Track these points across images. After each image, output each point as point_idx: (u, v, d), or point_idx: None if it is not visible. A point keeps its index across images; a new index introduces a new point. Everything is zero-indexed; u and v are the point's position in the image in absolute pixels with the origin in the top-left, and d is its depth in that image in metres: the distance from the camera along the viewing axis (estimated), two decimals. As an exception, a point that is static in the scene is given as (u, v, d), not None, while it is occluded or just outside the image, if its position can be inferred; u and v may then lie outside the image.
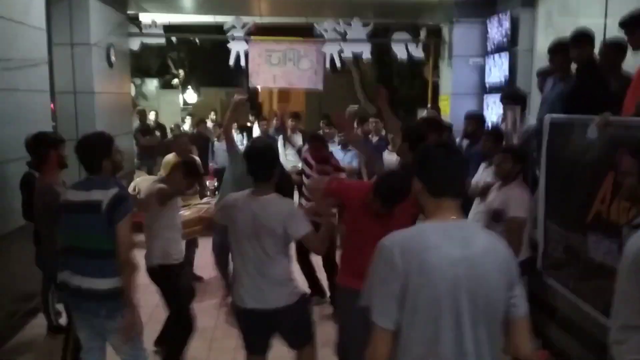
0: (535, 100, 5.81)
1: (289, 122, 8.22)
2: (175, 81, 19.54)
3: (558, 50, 4.34)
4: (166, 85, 18.05)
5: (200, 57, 20.02)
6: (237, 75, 22.09)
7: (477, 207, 4.57)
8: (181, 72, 20.34)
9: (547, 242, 4.08)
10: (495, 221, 3.82)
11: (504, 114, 4.95)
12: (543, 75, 4.86)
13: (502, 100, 5.13)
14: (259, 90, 21.02)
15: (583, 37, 4.04)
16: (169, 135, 10.03)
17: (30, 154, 3.81)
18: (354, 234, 3.14)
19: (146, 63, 15.06)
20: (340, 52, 8.90)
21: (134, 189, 7.95)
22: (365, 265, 1.76)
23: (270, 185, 2.99)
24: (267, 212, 2.88)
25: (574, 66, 4.36)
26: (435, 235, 1.69)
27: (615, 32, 4.30)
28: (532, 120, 5.04)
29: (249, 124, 10.71)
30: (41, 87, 5.34)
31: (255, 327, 3.01)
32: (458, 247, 1.67)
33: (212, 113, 10.82)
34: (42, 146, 3.59)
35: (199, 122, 9.53)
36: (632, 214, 2.85)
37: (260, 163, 2.96)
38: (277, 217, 2.87)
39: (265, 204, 2.90)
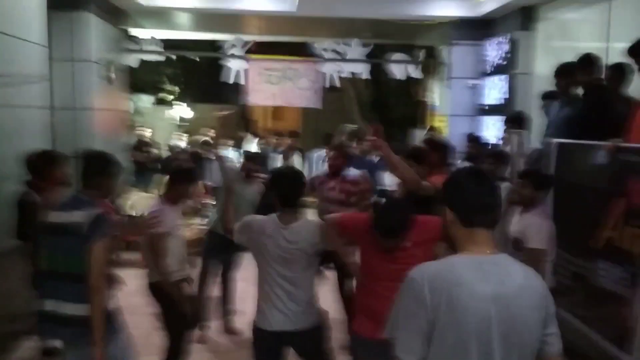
0: (534, 123, 5.83)
1: (287, 141, 8.21)
2: (170, 97, 19.52)
3: (564, 73, 4.37)
4: (161, 101, 18.00)
5: (195, 73, 20.06)
6: (232, 92, 22.21)
7: None
8: (176, 88, 20.35)
9: (555, 269, 4.05)
10: (516, 250, 3.65)
11: (508, 137, 4.95)
12: (548, 98, 4.88)
13: (507, 123, 5.13)
14: (252, 107, 21.16)
15: (590, 61, 4.07)
16: (163, 153, 9.93)
17: (32, 172, 3.71)
18: (366, 273, 2.89)
19: (141, 79, 15.03)
20: (339, 72, 8.92)
21: (131, 207, 7.88)
22: (379, 308, 1.70)
23: (297, 210, 3.04)
24: (300, 238, 2.92)
25: (578, 90, 4.40)
26: (467, 270, 1.60)
27: (616, 56, 4.33)
28: (533, 143, 5.06)
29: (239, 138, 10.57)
30: (41, 104, 5.28)
31: (276, 350, 3.00)
32: (491, 283, 1.58)
33: (211, 130, 10.71)
34: (47, 164, 3.50)
35: (204, 143, 9.38)
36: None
37: (290, 190, 2.99)
38: (310, 239, 2.94)
39: (297, 230, 2.94)
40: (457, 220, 1.69)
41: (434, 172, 3.73)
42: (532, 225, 3.54)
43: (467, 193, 1.68)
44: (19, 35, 4.83)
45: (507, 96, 7.61)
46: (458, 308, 1.56)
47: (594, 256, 3.51)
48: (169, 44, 9.21)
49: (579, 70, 4.10)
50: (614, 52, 5.42)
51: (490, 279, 1.59)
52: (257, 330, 3.02)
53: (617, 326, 3.26)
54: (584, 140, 3.88)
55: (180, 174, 3.96)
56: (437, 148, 5.39)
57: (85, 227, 2.68)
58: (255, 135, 9.63)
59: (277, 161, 7.95)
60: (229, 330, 4.99)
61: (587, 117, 4.02)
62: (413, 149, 4.34)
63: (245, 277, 5.47)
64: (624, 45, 5.47)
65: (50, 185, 3.52)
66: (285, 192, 2.98)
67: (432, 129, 7.56)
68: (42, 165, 3.58)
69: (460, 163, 5.90)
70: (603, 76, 4.17)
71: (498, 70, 7.88)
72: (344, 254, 3.06)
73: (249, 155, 5.56)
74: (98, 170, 2.84)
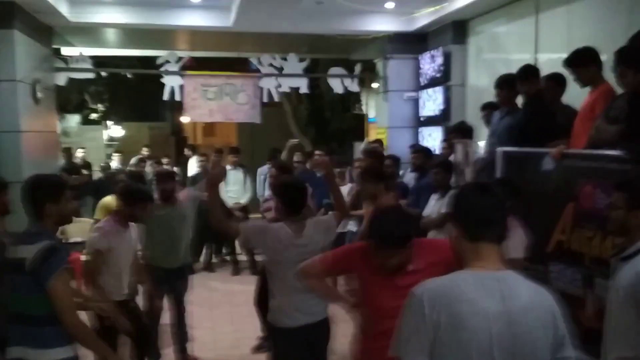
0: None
1: (229, 158, 8.06)
2: (95, 116, 18.76)
3: (505, 84, 4.52)
4: (87, 121, 17.29)
5: (121, 91, 19.41)
6: (161, 109, 21.69)
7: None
8: (100, 106, 19.59)
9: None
10: None
11: (451, 147, 5.08)
12: (489, 109, 5.05)
13: (451, 133, 5.26)
14: (182, 123, 20.73)
15: (530, 72, 4.25)
16: (95, 174, 9.49)
17: None
18: (372, 312, 2.55)
19: (65, 98, 14.38)
20: (277, 86, 8.89)
21: (62, 232, 7.45)
22: (387, 349, 1.62)
23: (302, 216, 3.22)
24: (311, 240, 3.15)
25: (518, 100, 4.58)
26: (470, 286, 1.56)
27: (544, 66, 4.57)
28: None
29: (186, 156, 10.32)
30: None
31: (300, 345, 3.13)
32: (496, 300, 1.54)
33: (145, 149, 10.32)
34: None
35: (140, 160, 9.05)
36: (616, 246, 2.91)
37: (297, 198, 3.21)
38: (320, 238, 3.21)
39: (307, 234, 3.16)
40: (462, 235, 1.66)
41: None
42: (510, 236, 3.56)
43: (472, 207, 1.66)
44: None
45: (443, 107, 7.84)
46: (459, 325, 1.52)
47: (547, 260, 3.62)
48: (96, 61, 8.86)
49: (519, 81, 4.26)
50: (542, 63, 5.72)
51: (494, 296, 1.55)
52: (278, 330, 3.18)
53: (574, 327, 3.38)
54: (527, 148, 4.03)
55: (132, 193, 3.80)
56: (376, 157, 5.53)
57: (27, 263, 2.43)
58: (194, 152, 9.39)
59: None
60: (187, 358, 4.76)
61: (528, 126, 4.16)
62: (371, 168, 4.46)
63: (197, 300, 5.32)
64: (551, 56, 5.82)
65: None
66: (292, 200, 3.19)
67: (376, 141, 7.66)
68: None
69: (407, 173, 6.01)
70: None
71: (433, 82, 8.11)
72: (333, 297, 3.12)
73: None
74: (49, 196, 2.61)
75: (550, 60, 5.60)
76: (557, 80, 4.24)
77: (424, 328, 1.54)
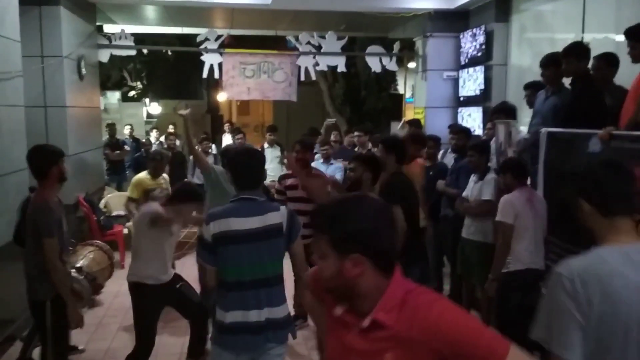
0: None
1: (267, 136, 8.13)
2: (133, 93, 19.07)
3: (550, 64, 4.41)
4: (126, 98, 17.61)
5: (159, 68, 19.65)
6: (197, 87, 21.89)
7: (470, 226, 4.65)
8: (138, 83, 19.89)
9: (547, 254, 4.11)
10: None
11: (495, 128, 4.99)
12: (532, 88, 4.94)
13: (494, 114, 5.18)
14: (217, 102, 20.90)
15: (580, 51, 4.13)
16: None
17: (31, 168, 3.50)
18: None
19: (106, 75, 14.66)
20: (315, 64, 8.87)
21: (105, 206, 7.67)
22: None
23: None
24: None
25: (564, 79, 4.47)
26: (617, 260, 1.59)
27: (592, 47, 4.44)
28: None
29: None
30: (15, 102, 5.06)
31: None
32: None
33: (171, 126, 10.43)
34: (45, 161, 3.32)
35: (168, 135, 9.22)
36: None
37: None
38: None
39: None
40: (595, 211, 1.69)
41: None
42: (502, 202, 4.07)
43: (605, 183, 1.68)
44: (-9, 31, 4.62)
45: (483, 87, 7.70)
46: (612, 299, 1.55)
47: (584, 241, 3.56)
48: (136, 39, 8.99)
49: (566, 59, 4.14)
50: (588, 43, 5.54)
51: None
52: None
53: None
54: (573, 129, 3.94)
55: (184, 193, 3.86)
56: (418, 142, 5.48)
57: None
58: (233, 130, 9.49)
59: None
60: None
61: (574, 107, 4.07)
62: (366, 157, 4.45)
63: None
64: (598, 36, 5.64)
65: (47, 182, 3.33)
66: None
67: (413, 121, 7.59)
68: (37, 161, 3.35)
69: (448, 154, 5.95)
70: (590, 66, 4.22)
71: (474, 61, 7.96)
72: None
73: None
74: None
75: (597, 40, 5.43)
76: (608, 60, 4.10)
77: (577, 305, 1.56)
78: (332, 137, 7.85)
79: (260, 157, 2.98)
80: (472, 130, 6.70)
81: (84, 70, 7.25)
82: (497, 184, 4.51)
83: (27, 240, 3.33)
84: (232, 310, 2.65)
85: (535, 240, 4.00)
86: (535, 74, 5.16)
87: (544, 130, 4.17)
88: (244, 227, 2.63)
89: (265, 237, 2.67)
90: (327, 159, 6.70)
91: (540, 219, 4.03)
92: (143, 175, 6.01)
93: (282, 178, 5.09)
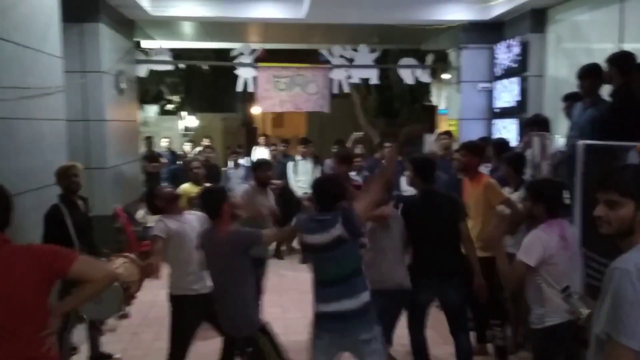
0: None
1: (299, 148, 8.18)
2: (170, 107, 19.50)
3: (588, 75, 4.31)
4: (164, 111, 18.00)
5: (195, 83, 20.07)
6: (232, 101, 22.24)
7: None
8: (175, 97, 20.33)
9: (586, 271, 4.00)
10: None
11: (529, 140, 4.90)
12: (571, 99, 4.84)
13: (527, 127, 5.09)
14: (253, 115, 21.16)
15: (621, 61, 4.02)
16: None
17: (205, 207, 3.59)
18: None
19: (144, 89, 15.04)
20: (348, 77, 8.91)
21: (143, 217, 7.83)
22: None
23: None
24: None
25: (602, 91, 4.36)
26: None
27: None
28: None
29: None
30: (57, 116, 5.24)
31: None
32: None
33: (205, 140, 10.57)
34: (217, 201, 3.47)
35: (205, 147, 9.37)
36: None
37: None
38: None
39: None
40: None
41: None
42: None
43: None
44: (35, 47, 4.80)
45: (519, 99, 7.59)
46: None
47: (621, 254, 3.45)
48: (174, 54, 9.21)
49: (610, 70, 4.04)
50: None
51: None
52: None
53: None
54: (611, 142, 3.84)
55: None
56: (476, 153, 5.27)
57: None
58: (267, 143, 9.59)
59: (289, 168, 7.92)
60: None
61: (613, 119, 3.97)
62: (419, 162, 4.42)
63: (268, 286, 5.40)
64: (637, 46, 5.49)
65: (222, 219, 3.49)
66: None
67: (446, 133, 7.51)
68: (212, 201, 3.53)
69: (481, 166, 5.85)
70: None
71: (509, 73, 7.86)
72: None
73: (258, 163, 5.53)
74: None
75: (636, 50, 5.29)
76: (647, 71, 4.00)
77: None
78: (357, 150, 7.92)
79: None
80: (508, 141, 6.55)
81: (123, 85, 7.46)
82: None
83: None
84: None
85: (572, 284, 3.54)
86: (572, 85, 5.05)
87: (580, 142, 4.07)
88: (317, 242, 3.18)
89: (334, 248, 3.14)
90: (358, 171, 6.75)
91: (575, 258, 3.41)
92: (186, 185, 6.12)
93: None
